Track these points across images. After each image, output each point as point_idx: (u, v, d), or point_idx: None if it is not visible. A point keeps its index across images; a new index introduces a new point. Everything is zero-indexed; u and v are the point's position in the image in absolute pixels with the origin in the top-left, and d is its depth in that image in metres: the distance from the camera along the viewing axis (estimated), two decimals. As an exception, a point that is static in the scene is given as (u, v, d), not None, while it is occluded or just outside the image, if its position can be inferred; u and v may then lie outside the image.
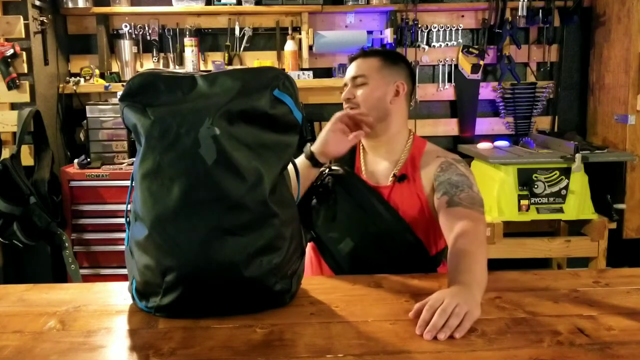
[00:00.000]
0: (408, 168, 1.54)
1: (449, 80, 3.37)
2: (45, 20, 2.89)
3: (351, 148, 1.56)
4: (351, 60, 1.64)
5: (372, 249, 1.47)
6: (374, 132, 1.54)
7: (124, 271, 1.14)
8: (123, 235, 1.26)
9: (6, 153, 2.66)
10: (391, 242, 1.47)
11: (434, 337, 0.97)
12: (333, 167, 1.57)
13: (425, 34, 3.32)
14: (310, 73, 3.14)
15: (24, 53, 2.79)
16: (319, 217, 1.54)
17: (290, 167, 1.16)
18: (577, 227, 2.88)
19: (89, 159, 2.86)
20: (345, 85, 1.62)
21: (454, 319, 0.99)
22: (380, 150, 1.59)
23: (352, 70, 1.60)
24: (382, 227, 1.47)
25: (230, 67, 3.19)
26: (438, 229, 1.52)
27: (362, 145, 1.64)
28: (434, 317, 0.99)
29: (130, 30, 3.20)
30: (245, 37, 3.25)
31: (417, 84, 3.30)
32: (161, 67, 3.25)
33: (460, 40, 3.34)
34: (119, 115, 1.10)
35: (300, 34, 3.19)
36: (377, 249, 1.47)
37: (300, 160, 1.48)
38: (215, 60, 3.23)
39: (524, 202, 2.72)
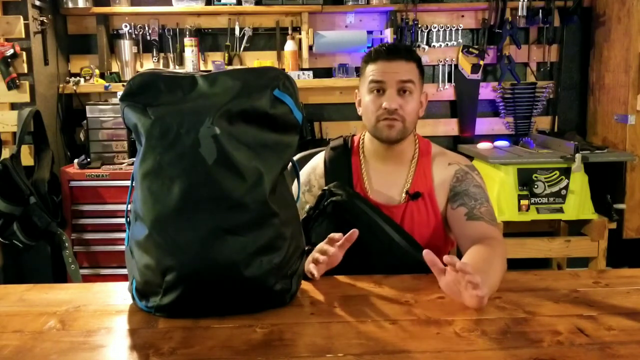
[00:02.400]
0: (420, 182, 1.46)
1: (449, 80, 3.37)
2: (45, 20, 2.89)
3: (346, 161, 1.50)
4: (387, 55, 1.41)
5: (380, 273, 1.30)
6: (392, 145, 1.46)
7: (124, 271, 1.14)
8: (123, 235, 1.26)
9: (6, 153, 2.66)
10: (403, 266, 1.34)
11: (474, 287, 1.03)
12: (333, 190, 1.40)
13: (425, 34, 3.32)
14: (310, 73, 3.14)
15: (24, 53, 2.79)
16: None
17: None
18: (577, 227, 2.88)
19: (89, 159, 2.86)
20: (380, 86, 1.41)
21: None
22: (389, 159, 1.48)
23: (397, 73, 1.39)
24: (395, 255, 1.37)
25: (230, 67, 3.19)
26: (447, 240, 1.50)
27: (363, 152, 1.52)
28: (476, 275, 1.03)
29: (130, 30, 3.20)
30: (245, 37, 3.25)
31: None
32: (161, 67, 3.25)
33: (460, 40, 3.34)
34: (119, 115, 1.10)
35: (300, 34, 3.19)
36: (386, 273, 1.31)
37: None
38: (215, 60, 3.23)
39: (524, 202, 2.72)
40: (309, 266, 1.22)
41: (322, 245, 1.26)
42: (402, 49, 1.45)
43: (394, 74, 1.40)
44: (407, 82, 1.40)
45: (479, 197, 1.42)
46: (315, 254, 1.24)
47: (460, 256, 1.28)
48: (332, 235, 1.24)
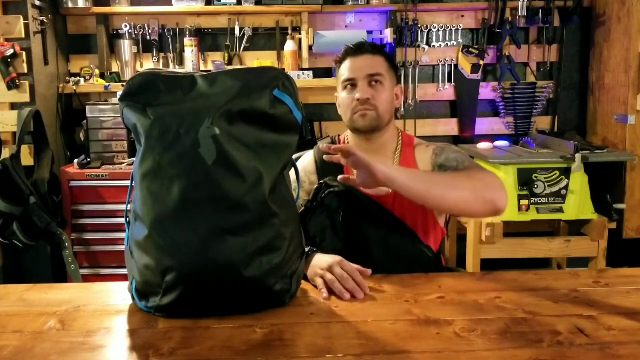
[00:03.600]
0: None
1: (449, 80, 3.37)
2: (45, 20, 2.89)
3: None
4: (353, 53, 1.52)
5: (380, 266, 1.31)
6: (372, 138, 1.52)
7: (124, 271, 1.14)
8: (123, 235, 1.26)
9: (6, 153, 2.66)
10: (399, 254, 1.42)
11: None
12: (329, 183, 1.43)
13: (425, 34, 3.32)
14: (310, 73, 3.14)
15: (24, 53, 2.79)
16: (323, 240, 1.41)
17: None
18: (577, 227, 2.88)
19: (89, 159, 2.86)
20: (351, 82, 1.50)
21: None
22: (372, 152, 1.47)
23: (364, 67, 1.49)
24: (391, 243, 1.41)
25: (230, 67, 3.19)
26: (437, 226, 1.53)
27: None
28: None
29: (130, 30, 3.20)
30: (245, 37, 3.25)
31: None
32: (161, 67, 3.25)
33: (460, 40, 3.34)
34: (119, 115, 1.10)
35: (300, 34, 3.19)
36: (385, 262, 1.37)
37: None
38: (215, 60, 3.23)
39: (524, 202, 2.72)
40: (317, 281, 1.21)
41: (334, 268, 1.21)
42: (367, 45, 1.55)
43: (363, 69, 1.49)
44: (376, 75, 1.48)
45: (460, 159, 1.46)
46: (327, 274, 1.20)
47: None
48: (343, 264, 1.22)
